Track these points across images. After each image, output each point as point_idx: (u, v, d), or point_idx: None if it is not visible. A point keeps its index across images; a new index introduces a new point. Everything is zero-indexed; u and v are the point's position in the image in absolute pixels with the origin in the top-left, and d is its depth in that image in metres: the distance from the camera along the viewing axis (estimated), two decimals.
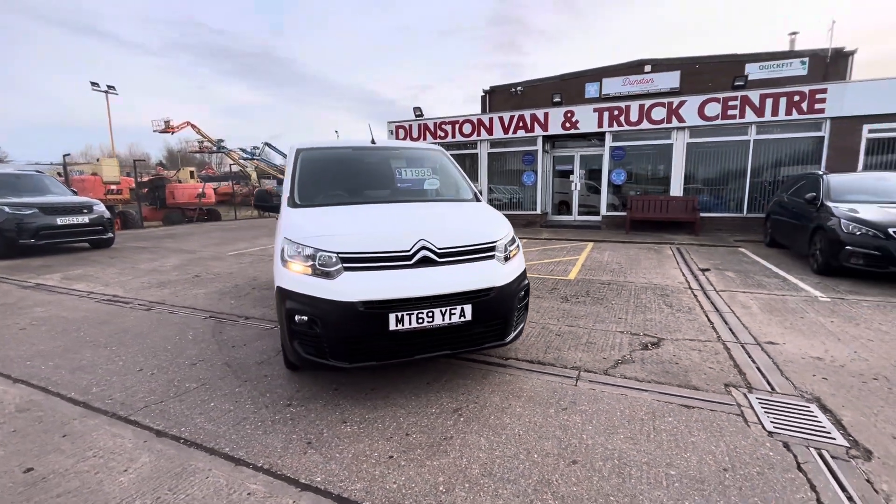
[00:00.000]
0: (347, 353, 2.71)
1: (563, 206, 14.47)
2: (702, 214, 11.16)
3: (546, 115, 12.65)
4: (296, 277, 2.82)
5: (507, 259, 3.14)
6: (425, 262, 2.85)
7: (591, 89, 21.51)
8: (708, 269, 7.02)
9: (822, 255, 6.40)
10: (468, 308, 2.85)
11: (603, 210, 12.69)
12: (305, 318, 2.74)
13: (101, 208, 9.80)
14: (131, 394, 3.03)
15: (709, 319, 4.50)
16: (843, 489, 2.04)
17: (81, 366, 3.52)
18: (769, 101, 10.51)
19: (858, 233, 5.88)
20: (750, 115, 10.71)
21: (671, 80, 19.74)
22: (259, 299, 5.49)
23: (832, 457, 2.27)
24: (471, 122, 13.64)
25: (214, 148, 40.66)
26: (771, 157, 10.94)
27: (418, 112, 14.31)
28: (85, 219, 9.32)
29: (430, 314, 2.76)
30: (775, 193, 9.81)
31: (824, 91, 10.08)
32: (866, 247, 5.76)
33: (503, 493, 2.03)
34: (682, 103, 11.27)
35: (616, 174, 12.46)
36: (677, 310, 4.85)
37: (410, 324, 2.72)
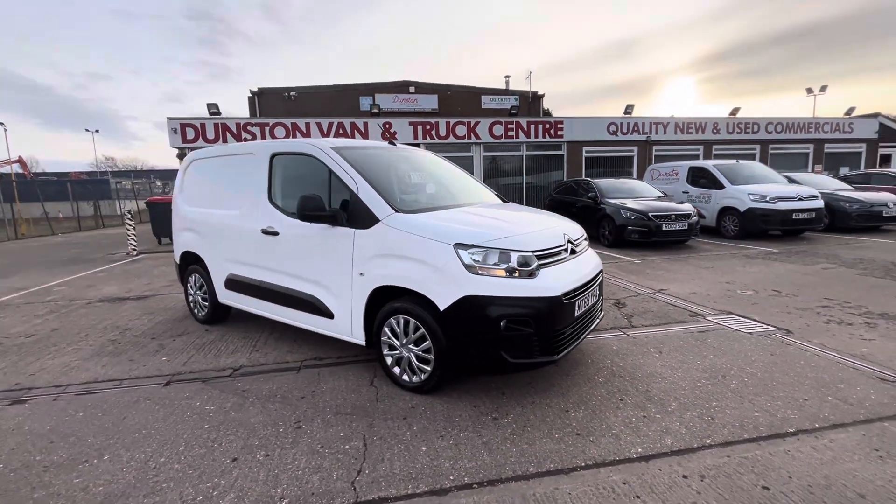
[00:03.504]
0: (555, 345, 2.81)
1: None
2: None
3: (366, 124, 12.97)
4: (494, 281, 2.69)
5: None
6: (571, 253, 3.21)
7: (364, 102, 22.73)
8: None
9: (611, 234, 9.45)
10: (597, 288, 3.38)
11: None
12: (508, 321, 2.67)
13: None
14: (297, 484, 2.15)
15: (616, 284, 6.23)
16: (811, 344, 3.71)
17: (126, 490, 2.10)
18: (532, 127, 14.13)
19: (633, 217, 9.04)
20: (522, 136, 14.11)
21: (431, 101, 23.06)
22: (198, 347, 4.06)
23: (786, 335, 4.00)
24: (284, 125, 12.51)
25: None
26: (535, 167, 14.70)
27: (214, 110, 12.02)
28: None
29: (587, 297, 3.16)
30: (549, 193, 13.33)
31: (562, 123, 14.34)
32: (639, 226, 8.95)
33: (729, 402, 2.78)
34: (476, 123, 13.73)
35: None
36: None
37: (581, 308, 3.06)
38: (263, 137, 12.36)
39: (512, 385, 3.14)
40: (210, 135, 11.96)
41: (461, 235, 2.80)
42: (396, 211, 3.07)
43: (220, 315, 4.68)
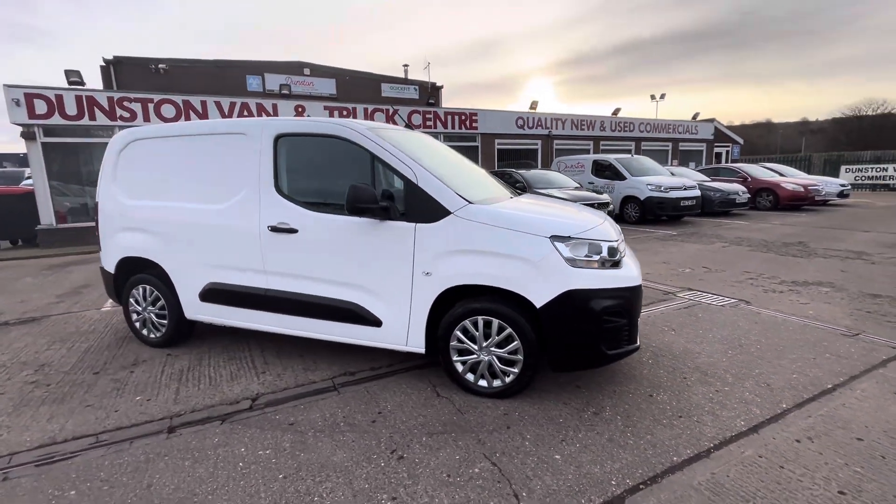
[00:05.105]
0: (635, 333, 2.84)
1: None
2: None
3: (275, 105, 11.59)
4: (592, 274, 2.61)
5: None
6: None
7: (252, 82, 20.49)
8: None
9: None
10: None
11: None
12: (605, 313, 2.63)
13: None
14: None
15: None
16: (772, 311, 4.39)
17: None
18: (450, 118, 14.17)
19: None
20: (440, 127, 14.06)
21: (329, 86, 21.67)
22: (178, 378, 3.22)
23: (748, 305, 4.67)
24: (173, 103, 10.48)
25: None
26: None
27: (75, 78, 9.48)
28: None
29: None
30: None
31: (476, 115, 14.66)
32: None
33: (766, 368, 3.15)
34: (395, 111, 13.27)
35: None
36: None
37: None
38: (146, 116, 10.18)
39: (580, 377, 3.11)
40: (71, 109, 9.39)
41: (556, 227, 2.65)
42: (470, 202, 2.78)
43: (182, 334, 3.77)
